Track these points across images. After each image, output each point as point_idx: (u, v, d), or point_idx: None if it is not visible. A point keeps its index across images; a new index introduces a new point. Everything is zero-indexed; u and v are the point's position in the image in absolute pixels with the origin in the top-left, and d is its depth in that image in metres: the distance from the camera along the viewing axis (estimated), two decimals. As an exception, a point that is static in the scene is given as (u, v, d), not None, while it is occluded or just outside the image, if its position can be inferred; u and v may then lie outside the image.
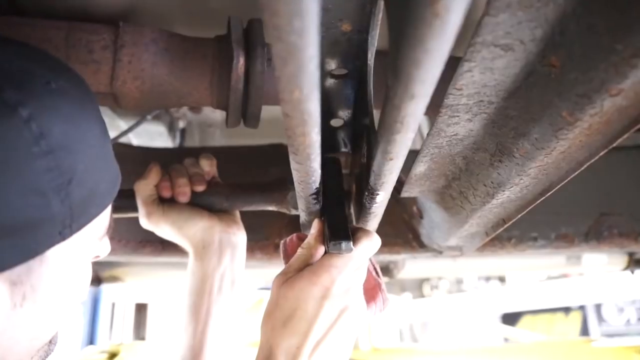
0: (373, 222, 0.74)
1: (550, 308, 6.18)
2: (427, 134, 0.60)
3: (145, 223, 0.82)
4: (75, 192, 0.50)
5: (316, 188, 0.59)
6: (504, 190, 0.63)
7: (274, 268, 1.06)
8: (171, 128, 1.13)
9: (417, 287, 8.31)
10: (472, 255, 1.37)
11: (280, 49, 0.32)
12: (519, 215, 0.69)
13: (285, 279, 0.64)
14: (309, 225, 0.74)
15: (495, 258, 1.53)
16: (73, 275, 0.56)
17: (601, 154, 0.49)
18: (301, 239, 0.75)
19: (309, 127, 0.42)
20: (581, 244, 1.00)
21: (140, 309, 5.39)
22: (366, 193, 0.63)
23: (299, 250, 0.69)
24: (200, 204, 0.85)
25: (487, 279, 7.06)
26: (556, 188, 0.58)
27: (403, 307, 5.26)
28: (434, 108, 0.54)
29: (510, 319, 6.34)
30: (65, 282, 0.55)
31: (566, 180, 0.56)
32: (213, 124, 1.25)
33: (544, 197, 0.61)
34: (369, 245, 0.65)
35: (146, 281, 1.82)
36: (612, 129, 0.45)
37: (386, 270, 1.39)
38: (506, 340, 4.00)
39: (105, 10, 0.75)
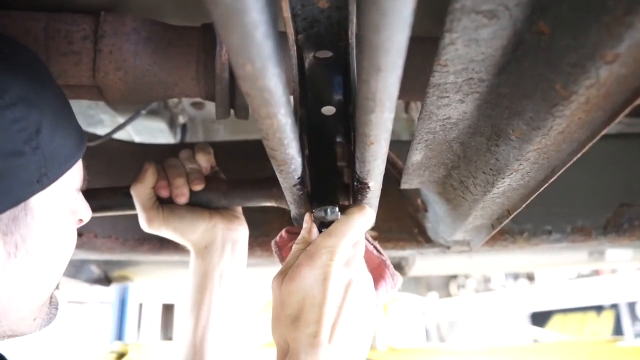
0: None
1: (581, 307, 6.00)
2: (418, 118, 0.56)
3: (146, 227, 0.80)
4: (46, 143, 0.54)
5: (299, 178, 0.55)
6: (503, 178, 0.58)
7: (279, 266, 1.03)
8: (172, 124, 1.11)
9: (444, 286, 8.21)
10: (485, 250, 1.32)
11: (219, 15, 0.29)
12: (523, 205, 0.64)
13: (284, 277, 0.61)
14: (300, 218, 0.71)
15: (512, 254, 1.46)
16: (58, 227, 0.60)
17: (603, 132, 0.44)
18: (292, 233, 0.72)
19: (273, 108, 0.39)
20: (599, 237, 0.94)
21: (168, 309, 5.45)
22: (355, 183, 0.59)
23: (294, 246, 0.65)
24: (198, 202, 0.82)
25: (516, 277, 6.92)
26: (559, 173, 0.53)
27: (429, 306, 5.17)
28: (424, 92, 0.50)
29: (540, 318, 6.18)
30: (52, 234, 0.59)
31: (569, 164, 0.51)
32: (217, 120, 1.23)
33: (547, 184, 0.57)
34: (361, 217, 0.62)
35: (155, 281, 1.81)
36: (612, 102, 0.41)
37: (398, 267, 1.34)
38: (535, 341, 3.89)
39: (93, 1, 0.73)
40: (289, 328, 0.59)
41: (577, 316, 6.23)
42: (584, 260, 1.42)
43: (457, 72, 0.46)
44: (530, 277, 6.62)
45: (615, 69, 0.36)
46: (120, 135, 1.16)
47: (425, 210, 0.90)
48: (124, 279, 1.45)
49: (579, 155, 0.49)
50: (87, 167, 0.98)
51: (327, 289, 0.58)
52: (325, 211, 0.61)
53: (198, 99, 1.10)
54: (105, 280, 1.43)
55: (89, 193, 0.82)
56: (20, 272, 0.57)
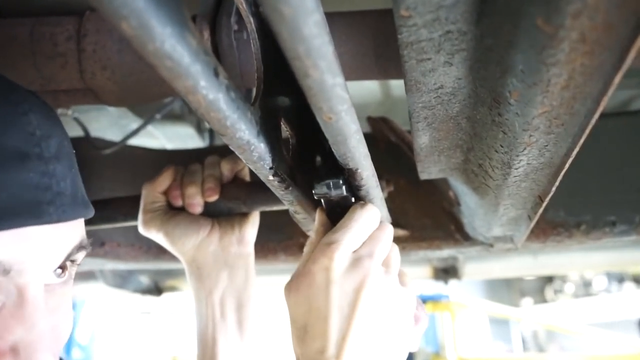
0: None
1: (701, 312, 5.37)
2: (406, 91, 0.48)
3: (141, 229, 0.77)
4: None
5: (269, 166, 0.49)
6: (518, 155, 0.48)
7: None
8: (199, 129, 1.09)
9: (539, 291, 7.77)
10: (551, 249, 1.19)
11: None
12: (554, 189, 0.53)
13: (290, 286, 0.54)
14: (298, 216, 0.64)
15: (586, 252, 1.30)
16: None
17: (619, 78, 0.34)
18: None
19: (187, 80, 0.33)
20: (678, 227, 0.78)
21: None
22: (345, 171, 0.51)
23: (305, 249, 0.59)
24: (217, 212, 0.78)
25: (620, 279, 6.35)
26: (581, 141, 0.43)
27: (523, 313, 4.85)
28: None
29: (651, 325, 5.59)
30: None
31: (589, 129, 0.40)
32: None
33: (572, 158, 0.46)
34: (363, 211, 0.54)
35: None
36: (617, 36, 0.31)
37: (452, 270, 1.23)
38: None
39: (85, 2, 0.72)
40: (298, 343, 0.52)
41: (695, 322, 5.57)
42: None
43: (429, 25, 0.38)
44: (638, 280, 6.06)
45: (605, -16, 0.27)
46: (152, 144, 1.16)
47: (458, 203, 0.79)
48: (174, 288, 1.45)
49: (597, 115, 0.38)
50: (112, 178, 0.98)
51: (331, 297, 0.50)
52: (328, 186, 0.51)
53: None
54: (156, 290, 1.44)
55: (100, 203, 0.82)
56: None
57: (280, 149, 0.51)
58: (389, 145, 0.90)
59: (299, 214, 0.64)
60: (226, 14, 0.61)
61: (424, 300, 4.16)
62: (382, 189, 0.80)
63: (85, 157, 0.98)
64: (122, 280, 1.31)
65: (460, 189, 0.72)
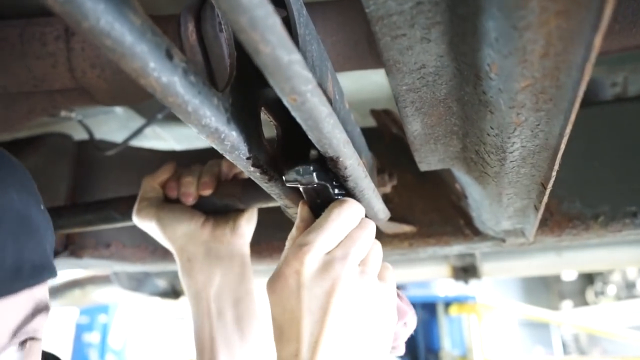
0: (370, 203, 0.59)
1: None
2: (386, 72, 0.45)
3: (134, 219, 0.76)
4: None
5: (246, 156, 0.47)
6: (509, 137, 0.45)
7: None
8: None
9: (579, 293, 7.54)
10: (578, 245, 1.14)
11: None
12: (554, 174, 0.50)
13: (268, 286, 0.53)
14: (290, 210, 0.62)
15: (613, 247, 1.23)
16: None
17: (600, 37, 0.30)
18: None
19: (133, 61, 0.32)
20: None
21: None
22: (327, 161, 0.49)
23: (286, 243, 0.57)
24: (213, 208, 0.77)
25: (668, 280, 6.11)
26: (573, 117, 0.39)
27: (562, 316, 4.70)
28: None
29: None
30: None
31: (577, 103, 0.37)
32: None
33: (567, 136, 0.42)
34: (340, 209, 0.52)
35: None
36: (590, -10, 0.27)
37: (471, 268, 1.19)
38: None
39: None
40: (276, 343, 0.51)
41: None
42: None
43: (394, -6, 0.36)
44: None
45: None
46: (160, 146, 1.16)
47: (465, 196, 0.76)
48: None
49: (583, 86, 0.35)
50: (116, 180, 0.98)
51: (302, 301, 0.49)
52: (298, 172, 0.49)
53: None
54: (173, 293, 1.44)
55: (98, 203, 0.82)
56: None
57: (259, 139, 0.49)
58: (394, 138, 0.88)
59: (290, 209, 0.62)
60: (210, 6, 0.60)
61: (447, 301, 4.06)
62: (385, 183, 0.78)
63: (90, 159, 0.99)
64: (137, 284, 1.32)
65: (464, 179, 0.69)
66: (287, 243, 0.57)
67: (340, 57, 0.68)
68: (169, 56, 0.34)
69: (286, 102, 0.38)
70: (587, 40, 0.31)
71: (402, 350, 0.58)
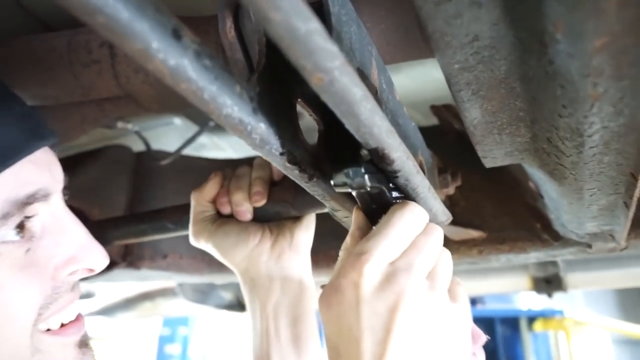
0: (427, 203, 0.53)
1: None
2: (434, 49, 0.39)
3: (191, 240, 0.74)
4: None
5: (279, 152, 0.43)
6: (587, 116, 0.37)
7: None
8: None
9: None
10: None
11: None
12: (647, 160, 0.41)
13: (321, 301, 0.47)
14: (339, 214, 0.57)
15: None
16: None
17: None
18: None
19: (135, 42, 0.28)
20: None
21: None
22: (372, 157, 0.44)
23: (340, 254, 0.52)
24: (266, 216, 0.74)
25: None
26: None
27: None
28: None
29: None
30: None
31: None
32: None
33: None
34: (402, 213, 0.46)
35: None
36: None
37: (554, 279, 1.07)
38: None
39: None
40: None
41: None
42: None
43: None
44: None
45: None
46: (219, 155, 1.15)
47: (541, 196, 0.67)
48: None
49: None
50: (174, 189, 0.97)
51: (361, 318, 0.43)
52: (347, 174, 0.43)
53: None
54: (239, 306, 1.43)
55: (151, 213, 0.81)
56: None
57: (296, 134, 0.45)
58: (458, 135, 0.80)
59: (338, 212, 0.57)
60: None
61: (531, 316, 3.75)
62: (448, 184, 0.71)
63: (148, 170, 0.99)
64: (202, 296, 1.32)
65: (538, 175, 0.60)
66: (341, 253, 0.52)
67: (390, 47, 0.62)
68: (177, 36, 0.31)
69: (313, 85, 0.33)
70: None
71: None
